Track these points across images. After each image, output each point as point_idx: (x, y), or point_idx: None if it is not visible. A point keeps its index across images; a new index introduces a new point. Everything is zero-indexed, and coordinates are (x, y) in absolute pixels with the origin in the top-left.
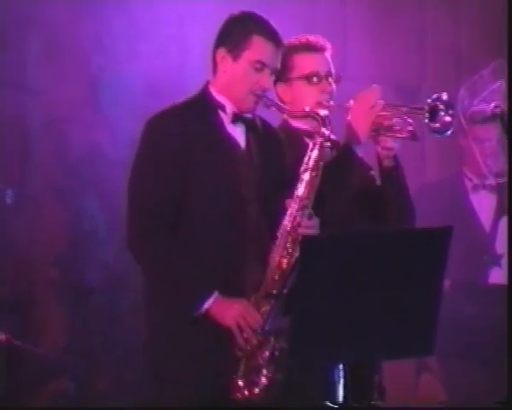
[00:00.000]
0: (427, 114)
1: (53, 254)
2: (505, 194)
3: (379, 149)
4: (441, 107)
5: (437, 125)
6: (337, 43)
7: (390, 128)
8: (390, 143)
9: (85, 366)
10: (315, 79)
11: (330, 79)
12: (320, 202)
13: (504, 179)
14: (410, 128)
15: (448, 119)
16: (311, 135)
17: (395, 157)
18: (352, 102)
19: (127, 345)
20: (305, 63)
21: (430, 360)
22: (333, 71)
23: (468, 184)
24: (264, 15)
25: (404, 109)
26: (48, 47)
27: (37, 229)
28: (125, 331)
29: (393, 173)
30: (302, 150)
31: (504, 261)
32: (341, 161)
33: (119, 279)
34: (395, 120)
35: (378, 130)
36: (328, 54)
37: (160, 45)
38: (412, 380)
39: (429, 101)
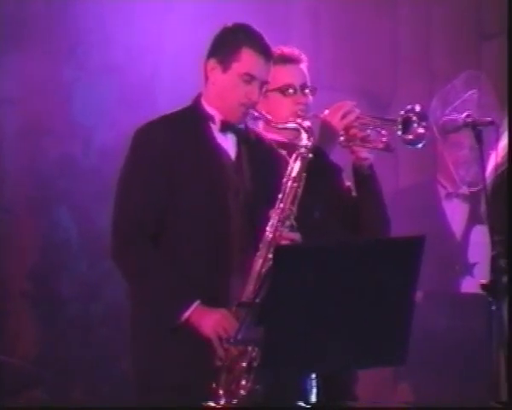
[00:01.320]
0: (400, 126)
1: (26, 265)
2: (478, 203)
3: (354, 159)
4: (414, 118)
5: (410, 136)
6: (310, 54)
7: (364, 139)
8: (364, 153)
9: (59, 376)
10: (290, 90)
11: (306, 91)
12: (303, 212)
13: (477, 188)
14: (384, 140)
15: (421, 130)
16: (286, 146)
17: (370, 166)
18: (326, 111)
19: (101, 355)
20: (279, 75)
21: (403, 370)
22: (308, 83)
23: (442, 192)
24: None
25: (378, 121)
26: (21, 57)
27: (9, 240)
28: (99, 342)
29: (369, 183)
30: (279, 163)
31: (477, 270)
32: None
33: (92, 290)
34: (369, 131)
35: (353, 141)
36: (303, 65)
37: (133, 56)
38: (387, 389)
39: (402, 112)
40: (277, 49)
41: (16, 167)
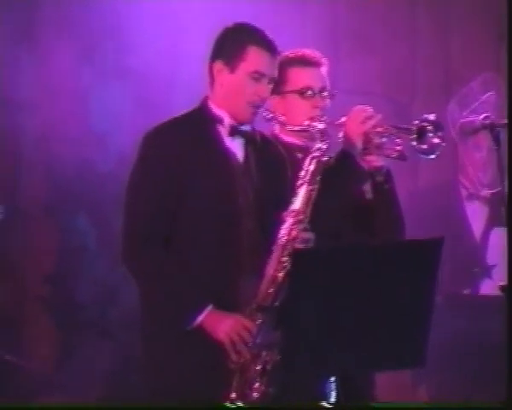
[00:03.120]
0: (414, 135)
1: (43, 269)
2: (499, 204)
3: (368, 166)
4: (429, 128)
5: (424, 146)
6: (328, 56)
7: (379, 147)
8: (378, 162)
9: (76, 380)
10: (309, 93)
11: (324, 95)
12: (317, 215)
13: (495, 190)
14: (399, 148)
15: (436, 140)
16: (302, 150)
17: (387, 170)
18: (343, 118)
19: (118, 359)
20: (299, 77)
21: (422, 372)
22: (327, 86)
23: (464, 193)
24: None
25: (393, 129)
26: (38, 63)
27: (28, 245)
28: (116, 346)
29: (385, 186)
30: (294, 165)
31: (495, 273)
32: (340, 165)
33: (110, 295)
34: (384, 139)
35: (368, 148)
36: (323, 69)
37: (149, 60)
38: (406, 391)
39: (417, 122)
40: (299, 51)
41: (34, 172)
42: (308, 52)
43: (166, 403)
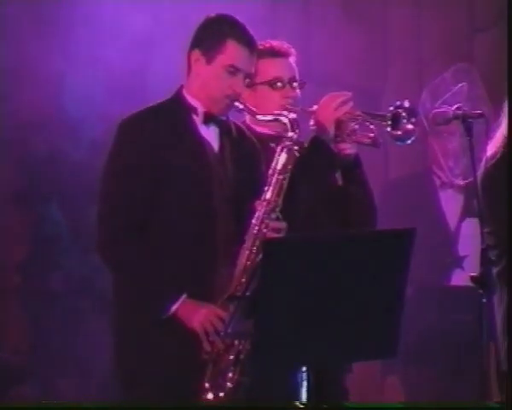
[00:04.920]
0: (389, 122)
1: (15, 260)
2: (472, 195)
3: (338, 153)
4: (403, 114)
5: (399, 132)
6: (300, 47)
7: (352, 134)
8: (349, 150)
9: (48, 370)
10: (278, 84)
11: (294, 85)
12: (289, 204)
13: (468, 180)
14: (372, 135)
15: (410, 126)
16: (274, 139)
17: (356, 155)
18: (315, 107)
19: (90, 349)
20: (268, 69)
21: (394, 364)
22: (297, 76)
23: (437, 182)
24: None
25: (367, 116)
26: (8, 49)
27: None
28: (89, 335)
29: (354, 172)
30: (266, 155)
31: (466, 263)
32: (313, 151)
33: (82, 284)
34: (356, 125)
35: (340, 136)
36: (292, 59)
37: (122, 48)
38: (377, 383)
39: (391, 108)
40: (266, 42)
41: (4, 161)
42: (276, 43)
43: (140, 395)
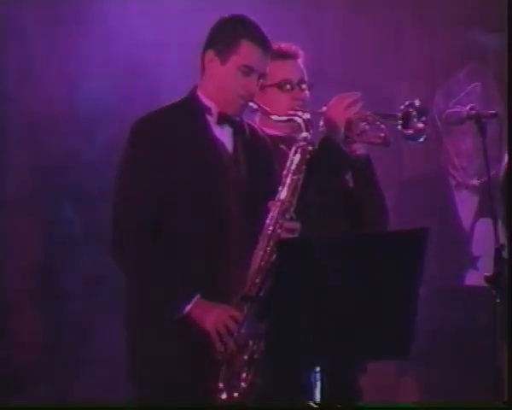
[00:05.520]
0: (400, 121)
1: (28, 261)
2: (486, 195)
3: (350, 153)
4: (414, 113)
5: (410, 131)
6: (312, 47)
7: (362, 134)
8: (360, 150)
9: (61, 372)
10: (287, 86)
11: (303, 86)
12: (303, 205)
13: (483, 179)
14: (382, 134)
15: (421, 125)
16: (284, 141)
17: (366, 156)
18: (324, 108)
19: (104, 350)
20: (277, 71)
21: (409, 364)
22: (305, 78)
23: (452, 182)
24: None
25: (378, 116)
26: (24, 54)
27: (12, 237)
28: (102, 336)
29: (365, 173)
30: (277, 156)
31: (480, 263)
32: (324, 152)
33: (95, 284)
34: (367, 126)
35: (350, 136)
36: (300, 61)
37: (134, 51)
38: (392, 384)
39: (402, 107)
40: (275, 44)
41: (18, 162)
42: (284, 45)
43: (153, 396)
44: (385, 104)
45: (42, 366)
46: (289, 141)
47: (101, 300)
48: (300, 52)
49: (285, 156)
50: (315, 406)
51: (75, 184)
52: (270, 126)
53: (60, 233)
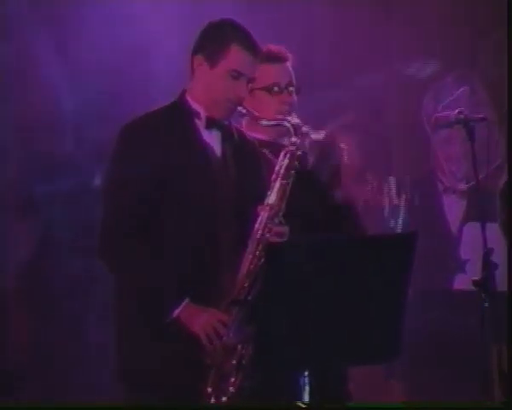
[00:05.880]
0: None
1: (18, 261)
2: (474, 198)
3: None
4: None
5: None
6: (304, 51)
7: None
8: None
9: (51, 374)
10: (276, 89)
11: (291, 89)
12: (292, 209)
13: (471, 184)
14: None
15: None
16: (269, 145)
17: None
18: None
19: (93, 351)
20: (266, 74)
21: (397, 366)
22: (294, 81)
23: (440, 187)
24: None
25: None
26: (15, 55)
27: (2, 238)
28: (91, 337)
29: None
30: (261, 161)
31: (469, 267)
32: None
33: (84, 286)
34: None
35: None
36: (289, 64)
37: (125, 54)
38: (379, 384)
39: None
40: (264, 47)
41: (8, 162)
42: (273, 48)
43: (142, 399)
44: (373, 106)
45: (30, 367)
46: (274, 146)
47: (90, 301)
48: (289, 55)
49: (267, 161)
50: (303, 406)
51: (65, 184)
52: (255, 130)
53: (49, 234)
